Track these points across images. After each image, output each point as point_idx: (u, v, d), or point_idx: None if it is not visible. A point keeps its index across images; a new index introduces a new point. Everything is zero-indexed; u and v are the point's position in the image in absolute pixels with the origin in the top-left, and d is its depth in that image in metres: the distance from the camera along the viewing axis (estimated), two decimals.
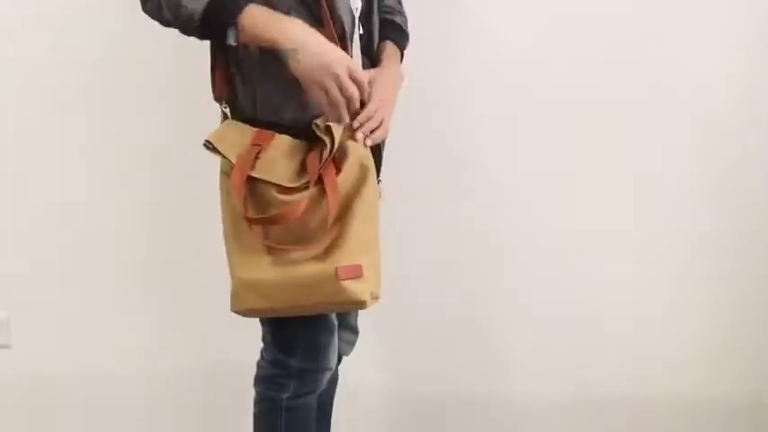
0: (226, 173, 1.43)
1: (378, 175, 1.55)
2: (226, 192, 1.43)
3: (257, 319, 1.58)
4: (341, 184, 1.39)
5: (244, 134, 1.42)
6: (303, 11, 1.41)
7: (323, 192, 1.38)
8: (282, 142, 1.41)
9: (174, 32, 1.53)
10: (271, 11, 1.35)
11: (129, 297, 2.14)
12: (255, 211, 1.40)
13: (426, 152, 1.97)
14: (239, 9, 1.32)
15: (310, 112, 1.42)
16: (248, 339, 1.91)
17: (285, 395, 1.50)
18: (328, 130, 1.39)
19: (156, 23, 1.43)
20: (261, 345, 1.59)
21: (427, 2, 1.77)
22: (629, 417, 2.15)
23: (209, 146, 1.42)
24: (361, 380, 1.90)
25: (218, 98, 1.47)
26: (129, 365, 2.15)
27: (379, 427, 2.18)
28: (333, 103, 1.37)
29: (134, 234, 2.12)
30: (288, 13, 1.40)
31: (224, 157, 1.41)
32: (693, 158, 2.08)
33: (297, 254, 1.38)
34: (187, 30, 1.38)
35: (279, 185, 1.39)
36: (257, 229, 1.39)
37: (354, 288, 1.36)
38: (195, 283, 2.12)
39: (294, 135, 1.43)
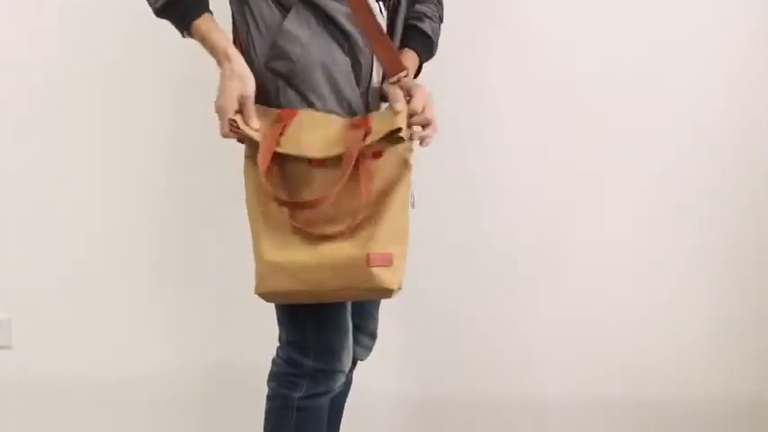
0: (249, 157, 1.44)
1: None
2: (251, 175, 1.43)
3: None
4: (380, 170, 1.40)
5: (268, 115, 1.43)
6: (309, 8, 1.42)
7: (357, 175, 1.38)
8: (305, 116, 1.42)
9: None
10: (216, 26, 1.43)
11: (129, 298, 2.14)
12: (288, 191, 1.40)
13: (435, 155, 1.96)
14: (195, 16, 1.42)
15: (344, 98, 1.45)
16: (250, 340, 1.91)
17: (297, 394, 1.50)
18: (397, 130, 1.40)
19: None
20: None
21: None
22: (629, 417, 2.15)
23: (234, 124, 1.42)
24: (368, 382, 1.90)
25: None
26: (129, 366, 2.15)
27: (385, 428, 2.17)
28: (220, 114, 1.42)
29: (135, 234, 2.12)
30: (288, 9, 1.42)
31: (247, 138, 1.42)
32: (694, 160, 2.09)
33: (326, 236, 1.38)
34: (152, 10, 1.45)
35: (310, 158, 1.39)
36: (285, 209, 1.38)
37: (384, 276, 1.36)
38: (196, 284, 2.12)
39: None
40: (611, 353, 2.13)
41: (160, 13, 1.43)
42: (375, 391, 2.10)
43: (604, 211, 2.10)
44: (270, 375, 1.55)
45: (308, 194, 1.39)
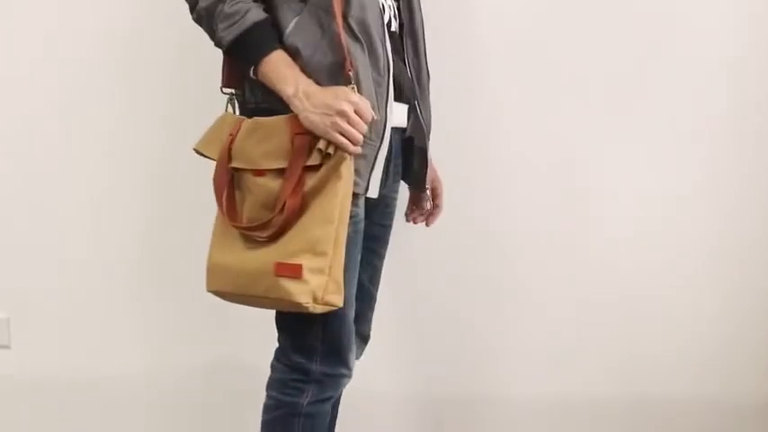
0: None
1: (425, 183, 1.65)
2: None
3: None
4: (311, 180, 1.35)
5: (229, 127, 1.45)
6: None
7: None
8: (245, 125, 1.42)
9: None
10: (289, 62, 1.36)
11: (129, 297, 2.14)
12: (242, 201, 1.43)
13: (432, 154, 1.97)
14: (261, 55, 1.36)
15: None
16: (249, 340, 1.91)
17: (304, 400, 1.45)
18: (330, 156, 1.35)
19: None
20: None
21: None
22: (631, 416, 2.15)
23: (198, 152, 1.48)
24: (366, 382, 1.89)
25: (226, 89, 1.48)
26: (128, 366, 2.15)
27: (383, 428, 2.17)
28: (347, 139, 1.33)
29: (133, 234, 2.12)
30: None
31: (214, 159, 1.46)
32: (699, 157, 2.07)
33: (256, 241, 1.37)
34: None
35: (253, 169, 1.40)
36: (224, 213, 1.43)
37: (290, 287, 1.31)
38: (195, 283, 2.11)
39: None
40: (611, 353, 2.13)
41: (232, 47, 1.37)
42: (373, 391, 2.10)
43: (606, 211, 2.09)
44: (270, 382, 1.50)
45: (248, 202, 1.40)
